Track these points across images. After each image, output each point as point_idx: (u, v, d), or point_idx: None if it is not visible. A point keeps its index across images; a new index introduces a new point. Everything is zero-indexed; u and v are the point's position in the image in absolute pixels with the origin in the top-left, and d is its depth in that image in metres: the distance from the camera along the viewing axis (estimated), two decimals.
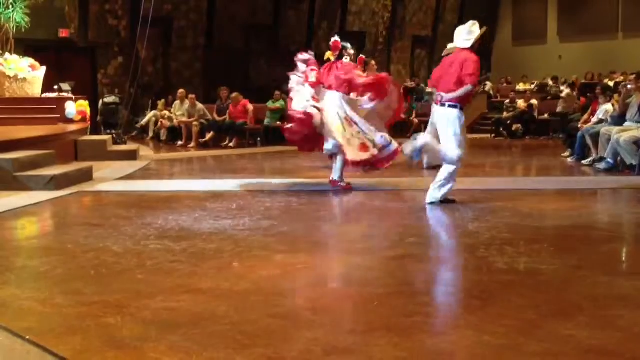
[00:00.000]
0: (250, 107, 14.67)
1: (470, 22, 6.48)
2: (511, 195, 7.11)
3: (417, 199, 6.86)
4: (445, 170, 6.28)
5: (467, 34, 6.35)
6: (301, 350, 2.81)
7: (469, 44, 6.30)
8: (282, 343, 2.89)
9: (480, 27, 6.41)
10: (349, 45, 7.77)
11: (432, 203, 6.31)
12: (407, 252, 4.58)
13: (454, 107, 6.18)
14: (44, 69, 12.41)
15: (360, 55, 10.19)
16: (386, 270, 4.18)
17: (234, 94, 14.73)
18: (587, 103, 12.78)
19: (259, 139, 14.83)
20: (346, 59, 7.65)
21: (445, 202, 6.32)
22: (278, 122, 15.07)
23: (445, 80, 6.28)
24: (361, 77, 7.56)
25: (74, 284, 3.83)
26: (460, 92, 6.14)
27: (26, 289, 3.80)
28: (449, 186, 6.31)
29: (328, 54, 7.79)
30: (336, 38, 7.83)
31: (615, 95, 10.79)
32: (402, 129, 17.65)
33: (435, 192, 6.31)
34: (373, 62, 10.30)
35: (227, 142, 14.38)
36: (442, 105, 6.26)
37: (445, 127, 6.24)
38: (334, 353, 2.79)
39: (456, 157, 6.18)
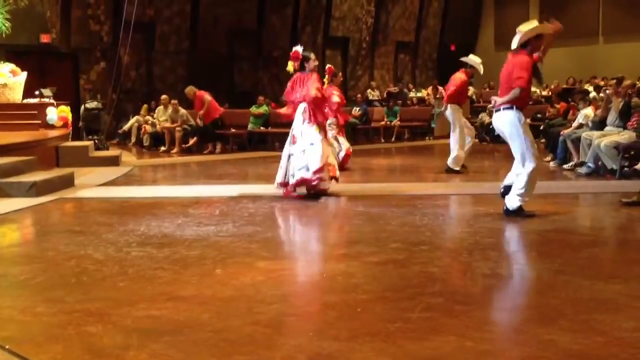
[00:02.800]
0: (208, 98, 13.94)
1: (527, 22, 6.28)
2: (494, 199, 7.14)
3: (399, 204, 6.88)
4: (522, 178, 6.05)
5: (517, 35, 6.08)
6: (284, 357, 2.81)
7: (515, 45, 6.09)
8: (265, 350, 2.88)
9: (539, 22, 6.13)
10: (312, 56, 7.66)
11: (508, 212, 6.10)
12: (391, 258, 4.58)
13: (509, 109, 6.03)
14: (24, 74, 12.30)
15: (329, 66, 10.21)
16: (370, 275, 4.18)
17: (187, 89, 14.24)
18: (568, 108, 12.88)
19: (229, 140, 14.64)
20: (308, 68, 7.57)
21: (520, 214, 6.06)
22: (261, 127, 15.09)
23: (501, 84, 6.18)
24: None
25: (55, 292, 3.80)
26: (508, 96, 6.01)
27: (6, 298, 3.77)
28: (526, 198, 6.06)
29: (290, 65, 7.69)
30: (296, 48, 7.69)
31: (598, 96, 10.88)
32: (384, 134, 17.74)
33: (512, 202, 6.10)
34: (340, 75, 10.33)
35: (209, 148, 14.22)
36: (497, 110, 6.17)
37: (508, 131, 6.09)
38: (317, 359, 2.79)
39: (531, 170, 5.99)
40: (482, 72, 10.04)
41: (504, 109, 6.06)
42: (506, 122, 6.08)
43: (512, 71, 6.00)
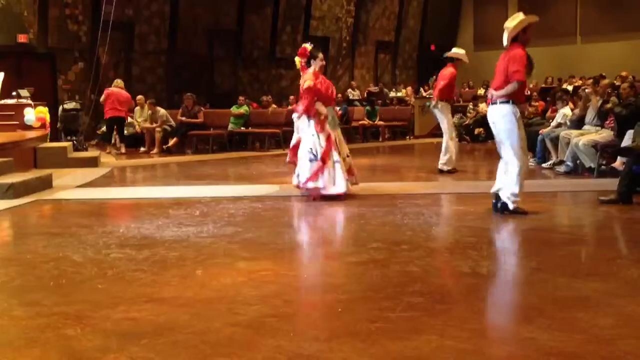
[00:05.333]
0: (102, 97, 13.87)
1: (512, 17, 6.28)
2: (474, 198, 7.18)
3: (380, 204, 6.89)
4: (510, 178, 6.11)
5: (505, 32, 6.11)
6: (264, 358, 2.80)
7: (505, 42, 6.14)
8: (245, 351, 2.87)
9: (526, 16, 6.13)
10: (320, 55, 7.52)
11: (503, 211, 6.16)
12: (371, 258, 4.59)
13: (506, 102, 6.06)
14: (2, 75, 12.17)
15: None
16: (350, 275, 4.19)
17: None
18: (546, 107, 12.99)
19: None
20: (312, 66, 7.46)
21: (515, 212, 6.10)
22: (242, 128, 15.05)
23: (496, 78, 6.19)
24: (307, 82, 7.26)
25: (33, 295, 3.76)
26: (506, 90, 6.03)
27: None
28: (516, 192, 6.12)
29: (297, 61, 7.63)
30: (305, 45, 7.62)
31: (575, 97, 10.98)
32: (365, 133, 17.77)
33: (506, 202, 6.16)
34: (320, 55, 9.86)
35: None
36: (494, 103, 6.19)
37: (501, 124, 6.11)
38: None
39: (518, 169, 6.05)
40: (467, 61, 10.03)
41: (500, 102, 6.10)
42: (501, 116, 6.11)
43: (508, 65, 6.04)
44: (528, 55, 6.16)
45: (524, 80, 6.01)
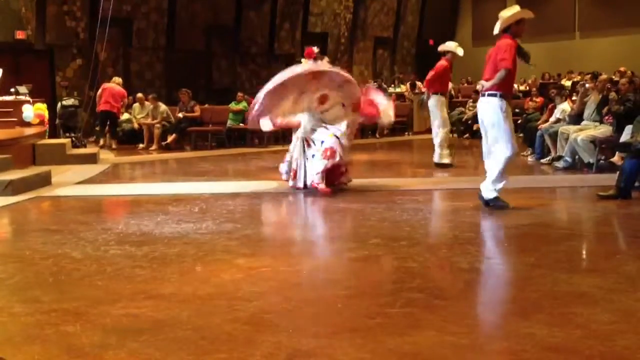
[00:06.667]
0: (101, 91, 14.12)
1: (509, 8, 6.36)
2: (473, 194, 7.18)
3: (379, 200, 6.90)
4: (495, 167, 6.13)
5: (499, 20, 6.18)
6: (264, 354, 2.80)
7: (496, 30, 6.19)
8: (244, 347, 2.87)
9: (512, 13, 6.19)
10: (326, 58, 7.71)
11: (486, 203, 6.20)
12: (371, 254, 4.59)
13: (493, 95, 6.06)
14: (0, 71, 12.15)
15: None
16: (349, 271, 4.19)
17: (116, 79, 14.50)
18: (545, 103, 12.98)
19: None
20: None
21: (496, 206, 6.14)
22: (241, 124, 15.03)
23: (486, 69, 6.21)
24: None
25: (32, 292, 3.76)
26: (495, 79, 6.03)
27: None
28: (500, 185, 6.15)
29: (303, 63, 7.67)
30: (313, 47, 7.72)
31: (574, 94, 10.98)
32: (363, 129, 17.74)
33: (488, 192, 6.19)
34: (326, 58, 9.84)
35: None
36: (483, 95, 6.21)
37: (489, 118, 6.12)
38: (297, 356, 2.79)
39: (507, 156, 6.05)
40: (461, 54, 10.08)
41: (488, 94, 6.12)
42: (488, 108, 6.13)
43: (497, 54, 6.06)
44: (520, 46, 6.18)
45: (511, 67, 6.01)
